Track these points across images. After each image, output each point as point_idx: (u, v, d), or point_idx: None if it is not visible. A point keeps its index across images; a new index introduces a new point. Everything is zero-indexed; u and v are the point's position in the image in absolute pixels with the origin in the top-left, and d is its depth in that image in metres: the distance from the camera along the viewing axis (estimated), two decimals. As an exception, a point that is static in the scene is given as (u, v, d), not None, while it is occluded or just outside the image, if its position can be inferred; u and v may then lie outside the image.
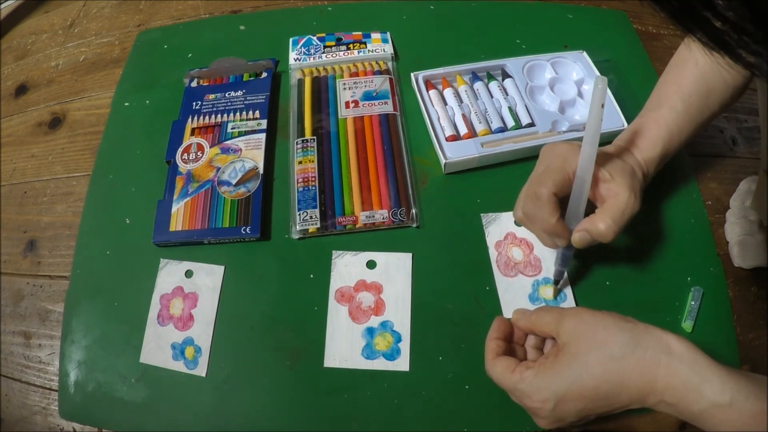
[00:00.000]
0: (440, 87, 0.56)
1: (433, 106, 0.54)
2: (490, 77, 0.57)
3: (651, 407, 0.32)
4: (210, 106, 0.56)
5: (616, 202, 0.39)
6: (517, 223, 0.49)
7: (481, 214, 0.50)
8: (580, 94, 0.55)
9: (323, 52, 0.60)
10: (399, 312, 0.45)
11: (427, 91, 0.55)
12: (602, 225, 0.39)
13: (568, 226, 0.41)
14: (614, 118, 0.53)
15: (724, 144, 0.58)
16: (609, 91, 0.55)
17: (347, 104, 0.55)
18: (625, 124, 0.52)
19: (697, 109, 0.44)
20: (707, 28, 0.18)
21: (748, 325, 0.47)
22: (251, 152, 0.52)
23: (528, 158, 0.53)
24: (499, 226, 0.49)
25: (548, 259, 0.48)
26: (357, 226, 0.48)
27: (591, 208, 0.41)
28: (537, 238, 0.43)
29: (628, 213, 0.39)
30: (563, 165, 0.39)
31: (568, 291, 0.46)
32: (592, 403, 0.32)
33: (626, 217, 0.39)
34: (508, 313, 0.45)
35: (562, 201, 0.41)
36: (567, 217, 0.41)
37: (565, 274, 0.46)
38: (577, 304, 0.46)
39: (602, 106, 0.35)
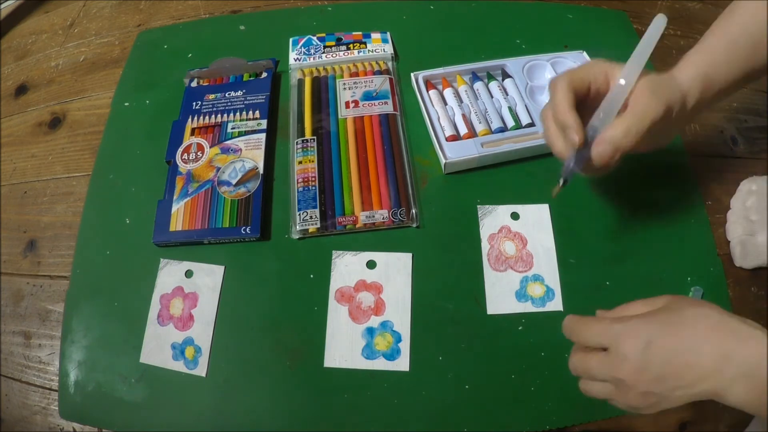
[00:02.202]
0: (440, 87, 0.56)
1: (433, 106, 0.54)
2: (490, 77, 0.57)
3: (722, 392, 0.31)
4: (210, 106, 0.56)
5: (638, 105, 0.38)
6: (513, 216, 0.49)
7: (478, 206, 0.50)
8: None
9: (323, 52, 0.60)
10: (399, 312, 0.45)
11: (427, 91, 0.55)
12: (621, 128, 0.37)
13: (591, 129, 0.39)
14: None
15: (724, 144, 0.58)
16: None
17: (347, 104, 0.55)
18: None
19: (742, 49, 0.41)
20: None
21: (748, 325, 0.47)
22: (251, 152, 0.52)
23: (528, 158, 0.53)
24: (494, 219, 0.49)
25: (541, 255, 0.48)
26: (357, 226, 0.48)
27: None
28: (551, 142, 0.41)
29: (649, 117, 0.38)
30: (594, 72, 0.40)
31: (557, 290, 0.46)
32: (674, 362, 0.32)
33: (648, 121, 0.37)
34: (492, 309, 0.45)
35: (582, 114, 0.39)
36: (592, 120, 0.39)
37: (571, 166, 0.40)
38: (564, 306, 0.46)
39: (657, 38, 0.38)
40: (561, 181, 0.40)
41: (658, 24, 0.40)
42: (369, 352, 0.44)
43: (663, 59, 0.63)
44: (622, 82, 0.38)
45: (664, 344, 0.33)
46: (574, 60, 0.57)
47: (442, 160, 0.51)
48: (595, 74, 0.40)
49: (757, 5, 0.42)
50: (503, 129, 0.52)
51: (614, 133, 0.38)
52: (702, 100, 0.41)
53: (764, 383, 0.30)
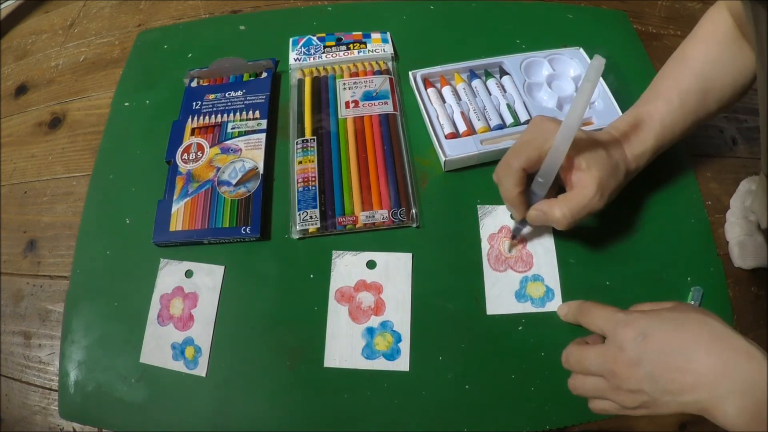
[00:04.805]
0: (438, 85, 0.56)
1: (431, 104, 0.54)
2: (488, 75, 0.57)
3: (712, 408, 0.30)
4: (210, 106, 0.56)
5: (580, 194, 0.40)
6: (512, 216, 0.49)
7: (478, 206, 0.50)
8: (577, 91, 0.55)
9: (323, 52, 0.60)
10: (399, 312, 0.45)
11: (426, 90, 0.55)
12: (558, 212, 0.40)
13: (533, 192, 0.42)
14: (613, 117, 0.53)
15: (724, 144, 0.58)
16: (609, 91, 0.55)
17: (347, 104, 0.55)
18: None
19: (693, 106, 0.44)
20: None
21: (748, 325, 0.47)
22: (251, 152, 0.52)
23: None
24: (494, 219, 0.49)
25: (541, 255, 0.48)
26: (357, 226, 0.48)
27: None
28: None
29: (587, 209, 0.41)
30: (543, 143, 0.40)
31: (557, 290, 0.46)
32: (667, 362, 0.32)
33: (585, 212, 0.41)
34: (492, 309, 0.45)
35: (532, 176, 0.42)
36: (533, 185, 0.42)
37: (525, 230, 0.48)
38: (562, 302, 0.46)
39: (593, 84, 0.35)
40: (513, 237, 0.48)
41: (596, 68, 0.35)
42: (369, 352, 0.44)
43: (663, 59, 0.62)
44: (557, 147, 0.38)
45: (659, 340, 0.33)
46: (571, 56, 0.57)
47: (442, 158, 0.51)
48: (543, 141, 0.40)
49: (707, 48, 0.43)
50: (502, 126, 0.52)
51: (550, 212, 0.41)
52: (651, 159, 0.45)
53: (762, 404, 0.29)
